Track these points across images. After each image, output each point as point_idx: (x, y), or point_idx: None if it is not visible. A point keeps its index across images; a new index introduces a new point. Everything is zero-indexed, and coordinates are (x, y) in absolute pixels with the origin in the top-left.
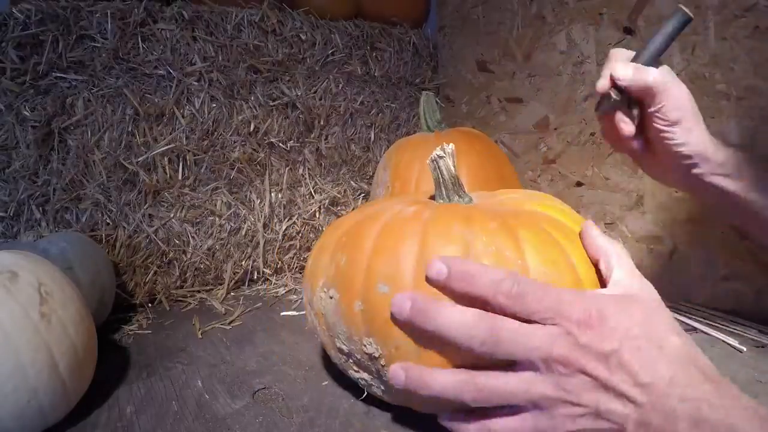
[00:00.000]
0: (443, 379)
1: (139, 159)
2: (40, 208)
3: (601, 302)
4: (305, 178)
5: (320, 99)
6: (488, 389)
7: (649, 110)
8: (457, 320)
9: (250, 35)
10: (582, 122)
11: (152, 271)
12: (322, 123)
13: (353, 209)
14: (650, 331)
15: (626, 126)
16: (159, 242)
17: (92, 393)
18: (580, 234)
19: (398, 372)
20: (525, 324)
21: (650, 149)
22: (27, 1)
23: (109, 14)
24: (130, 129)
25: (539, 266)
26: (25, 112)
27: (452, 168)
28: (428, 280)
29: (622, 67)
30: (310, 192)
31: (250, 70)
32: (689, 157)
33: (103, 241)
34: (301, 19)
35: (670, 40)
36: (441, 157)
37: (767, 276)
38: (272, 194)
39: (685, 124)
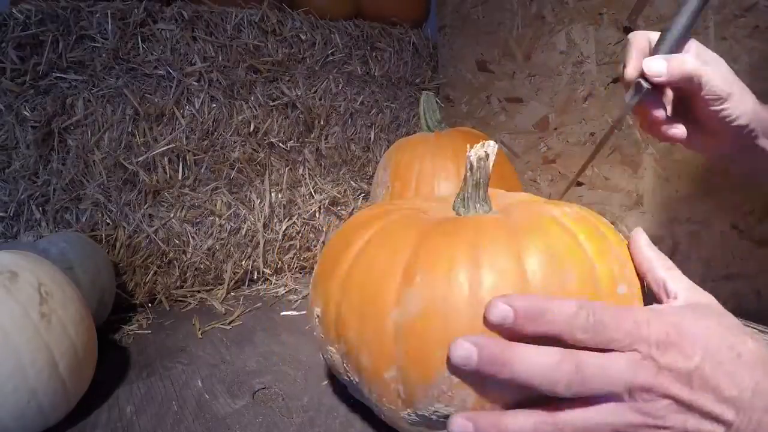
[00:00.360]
0: (522, 422)
1: (139, 159)
2: (40, 208)
3: (676, 317)
4: (305, 178)
5: (320, 99)
6: (573, 424)
7: (695, 95)
8: (537, 364)
9: (250, 35)
10: (582, 122)
11: (152, 271)
12: (322, 123)
13: (354, 210)
14: (727, 340)
15: (660, 113)
16: (159, 242)
17: (92, 393)
18: (628, 244)
19: (465, 424)
20: (605, 355)
21: (699, 128)
22: (27, 1)
23: (109, 14)
24: (130, 129)
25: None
26: (25, 113)
27: (489, 172)
28: (491, 325)
29: (654, 62)
30: (310, 192)
31: (250, 70)
32: (746, 126)
33: (103, 241)
34: (300, 19)
35: (695, 17)
36: (483, 159)
37: (767, 275)
38: (272, 194)
39: (735, 97)
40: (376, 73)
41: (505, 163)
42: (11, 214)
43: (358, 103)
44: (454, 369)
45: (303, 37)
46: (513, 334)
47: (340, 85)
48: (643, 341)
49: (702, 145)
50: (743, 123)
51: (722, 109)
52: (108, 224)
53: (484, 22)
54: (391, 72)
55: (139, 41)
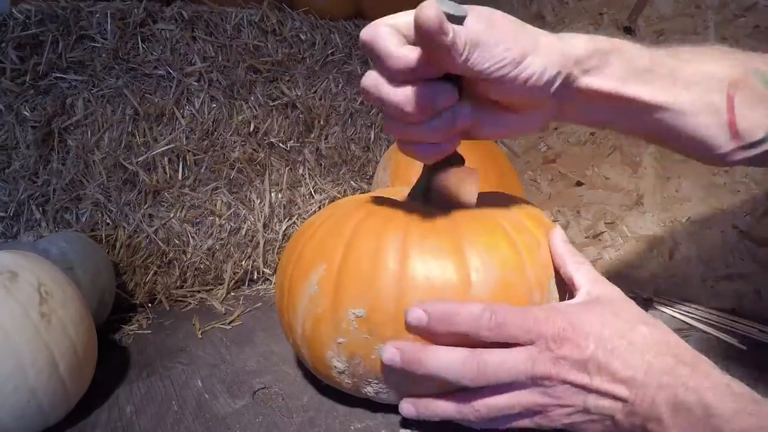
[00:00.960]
0: (444, 407)
1: (139, 159)
2: (40, 208)
3: (572, 314)
4: (305, 178)
5: (320, 99)
6: (486, 407)
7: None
8: (445, 362)
9: (249, 35)
10: None
11: (152, 271)
12: (322, 123)
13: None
14: (620, 329)
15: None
16: (159, 242)
17: (92, 393)
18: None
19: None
20: (506, 350)
21: (492, 113)
22: (27, 1)
23: (108, 14)
24: (130, 129)
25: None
26: (25, 113)
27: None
28: (409, 327)
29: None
30: (310, 192)
31: (249, 70)
32: (552, 77)
33: (103, 241)
34: (300, 19)
35: None
36: None
37: (767, 275)
38: (272, 194)
39: (526, 51)
40: None
41: (504, 163)
42: (11, 214)
43: (358, 103)
44: (386, 367)
45: (303, 37)
46: (433, 336)
47: (340, 85)
48: (541, 337)
49: (516, 126)
50: (550, 76)
51: (499, 75)
52: (108, 224)
53: None
54: None
55: (139, 41)
